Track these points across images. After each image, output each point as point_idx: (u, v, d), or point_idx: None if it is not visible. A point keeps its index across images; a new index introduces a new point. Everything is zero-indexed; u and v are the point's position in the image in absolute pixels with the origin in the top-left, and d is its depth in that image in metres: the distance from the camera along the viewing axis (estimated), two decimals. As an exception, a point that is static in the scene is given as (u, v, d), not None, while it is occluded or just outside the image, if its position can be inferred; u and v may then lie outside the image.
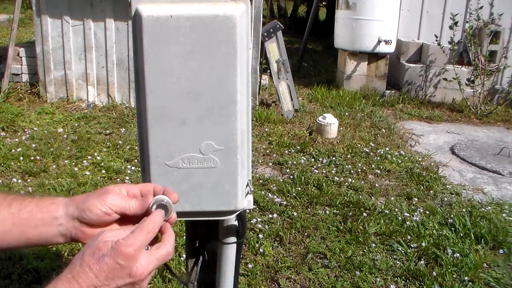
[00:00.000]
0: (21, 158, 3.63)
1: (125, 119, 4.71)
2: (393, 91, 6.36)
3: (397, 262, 2.62)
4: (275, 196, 3.28)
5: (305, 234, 2.84)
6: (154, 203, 0.74)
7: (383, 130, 4.88)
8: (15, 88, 5.33)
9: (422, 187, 3.59)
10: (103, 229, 0.71)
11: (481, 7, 5.95)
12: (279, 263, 2.55)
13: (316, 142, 4.38)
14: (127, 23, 4.98)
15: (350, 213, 3.08)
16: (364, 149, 4.25)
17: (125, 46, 5.10)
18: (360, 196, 3.33)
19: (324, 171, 3.78)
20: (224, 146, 0.92)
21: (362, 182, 3.60)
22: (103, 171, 3.51)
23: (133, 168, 3.59)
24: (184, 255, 2.21)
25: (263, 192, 3.32)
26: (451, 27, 5.80)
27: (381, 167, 3.89)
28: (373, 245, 2.76)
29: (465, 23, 6.17)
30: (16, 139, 4.05)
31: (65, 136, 4.19)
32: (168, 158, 0.92)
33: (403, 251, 2.72)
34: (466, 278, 2.49)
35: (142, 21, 0.85)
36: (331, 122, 4.53)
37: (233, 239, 1.12)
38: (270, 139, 4.41)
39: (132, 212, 0.75)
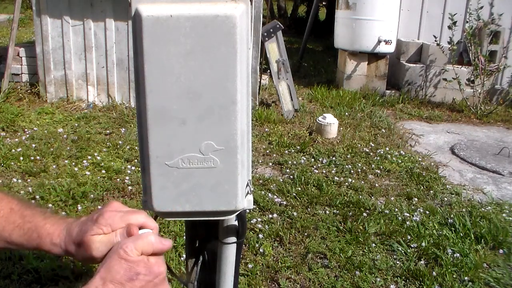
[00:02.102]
0: (21, 158, 3.63)
1: (125, 119, 4.71)
2: (393, 91, 6.36)
3: (397, 262, 2.62)
4: (275, 196, 3.28)
5: (305, 234, 2.84)
6: None
7: (383, 130, 4.88)
8: (15, 88, 5.33)
9: (422, 187, 3.59)
10: (121, 244, 0.70)
11: (481, 7, 5.95)
12: (279, 263, 2.55)
13: (316, 142, 4.38)
14: (127, 23, 4.98)
15: (350, 213, 3.08)
16: (364, 149, 4.25)
17: (125, 46, 5.10)
18: (360, 196, 3.33)
19: (324, 171, 3.78)
20: (224, 146, 0.92)
21: (362, 182, 3.60)
22: (103, 171, 3.51)
23: (133, 168, 3.59)
24: (184, 255, 2.21)
25: (263, 192, 3.32)
26: (450, 27, 5.80)
27: (381, 167, 3.89)
28: (373, 245, 2.76)
29: (465, 23, 6.17)
30: (16, 139, 4.05)
31: (65, 136, 4.19)
32: (168, 158, 0.92)
33: (403, 251, 2.72)
34: (466, 278, 2.49)
35: (142, 21, 0.85)
36: (331, 122, 4.53)
37: (233, 239, 1.12)
38: (270, 139, 4.41)
39: None
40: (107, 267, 0.66)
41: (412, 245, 2.76)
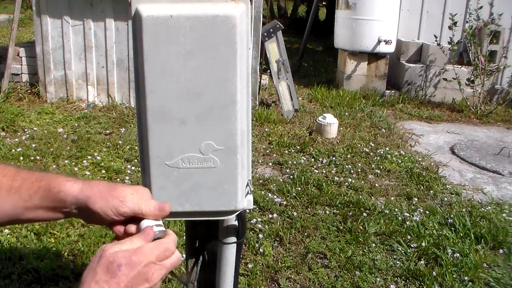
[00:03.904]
0: (21, 158, 3.63)
1: (125, 119, 4.71)
2: (393, 91, 6.36)
3: (397, 262, 2.62)
4: (275, 196, 3.28)
5: (305, 234, 2.84)
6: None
7: (383, 130, 4.88)
8: (15, 88, 5.33)
9: (422, 187, 3.59)
10: (103, 246, 0.72)
11: (481, 7, 5.95)
12: (279, 263, 2.55)
13: (316, 142, 4.38)
14: (127, 23, 4.98)
15: (350, 213, 3.08)
16: (364, 149, 4.25)
17: (125, 46, 5.10)
18: (360, 196, 3.33)
19: (324, 171, 3.78)
20: (224, 146, 0.92)
21: (362, 182, 3.60)
22: (103, 171, 3.51)
23: (133, 168, 3.59)
24: (184, 255, 2.21)
25: (263, 192, 3.32)
26: (450, 27, 5.80)
27: (381, 167, 3.89)
28: (373, 245, 2.76)
29: (465, 23, 6.17)
30: (16, 139, 4.05)
31: (65, 136, 4.19)
32: (168, 158, 0.92)
33: (403, 251, 2.72)
34: (466, 278, 2.49)
35: (142, 21, 0.85)
36: (331, 122, 4.53)
37: (233, 239, 1.12)
38: (270, 139, 4.41)
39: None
40: (92, 269, 0.68)
41: (412, 245, 2.76)
